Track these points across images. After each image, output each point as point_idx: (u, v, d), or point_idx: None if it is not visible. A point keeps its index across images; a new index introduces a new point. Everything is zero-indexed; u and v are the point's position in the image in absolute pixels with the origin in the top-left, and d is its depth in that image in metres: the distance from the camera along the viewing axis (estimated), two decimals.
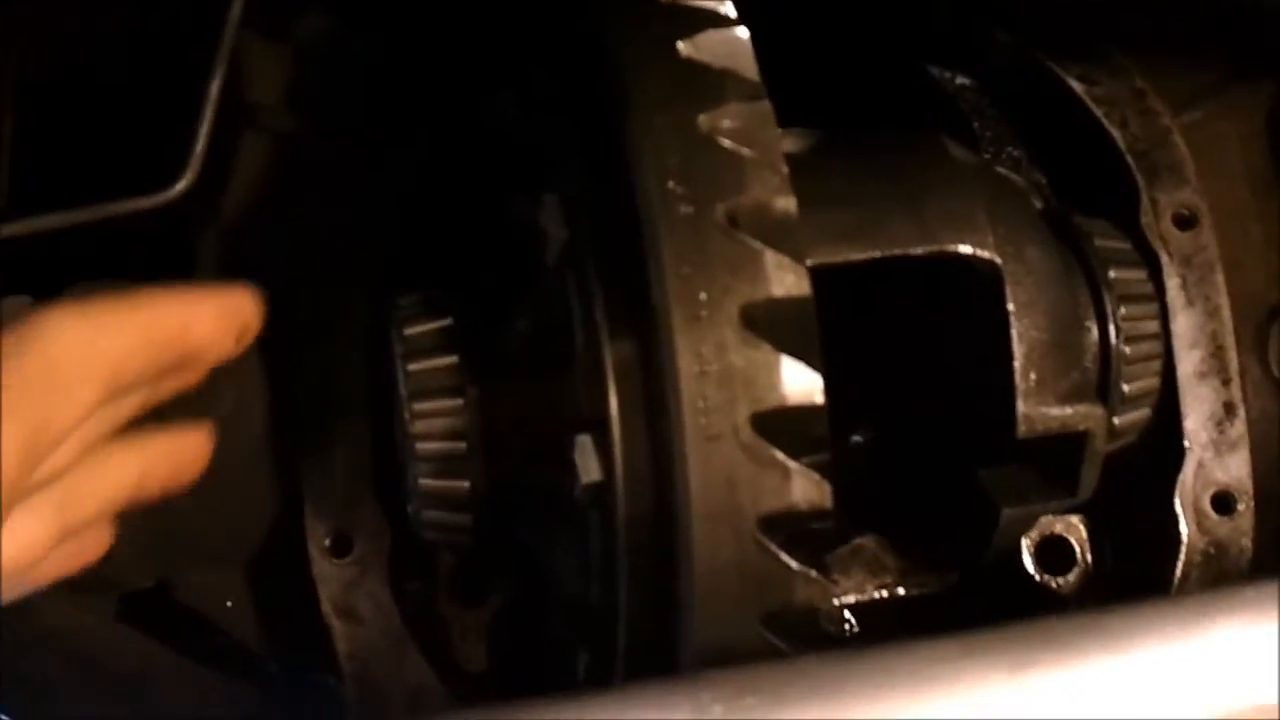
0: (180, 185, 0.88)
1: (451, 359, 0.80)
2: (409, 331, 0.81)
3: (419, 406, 0.79)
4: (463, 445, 0.79)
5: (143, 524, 0.71)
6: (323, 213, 0.95)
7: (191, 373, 0.66)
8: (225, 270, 1.02)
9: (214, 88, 0.88)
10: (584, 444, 0.68)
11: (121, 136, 1.03)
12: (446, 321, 0.81)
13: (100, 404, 0.59)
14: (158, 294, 0.62)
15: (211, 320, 0.64)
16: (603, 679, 0.74)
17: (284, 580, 0.92)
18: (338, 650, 0.89)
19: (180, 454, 0.67)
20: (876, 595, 0.94)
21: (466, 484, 0.80)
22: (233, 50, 0.88)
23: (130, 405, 0.63)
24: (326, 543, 0.90)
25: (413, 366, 0.80)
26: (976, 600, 0.95)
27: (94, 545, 0.67)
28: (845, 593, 0.93)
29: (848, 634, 0.94)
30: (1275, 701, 0.59)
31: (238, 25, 0.88)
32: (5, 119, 1.02)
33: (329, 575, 0.90)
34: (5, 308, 0.95)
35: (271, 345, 0.93)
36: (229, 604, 0.96)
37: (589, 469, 0.68)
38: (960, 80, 0.98)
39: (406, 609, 0.92)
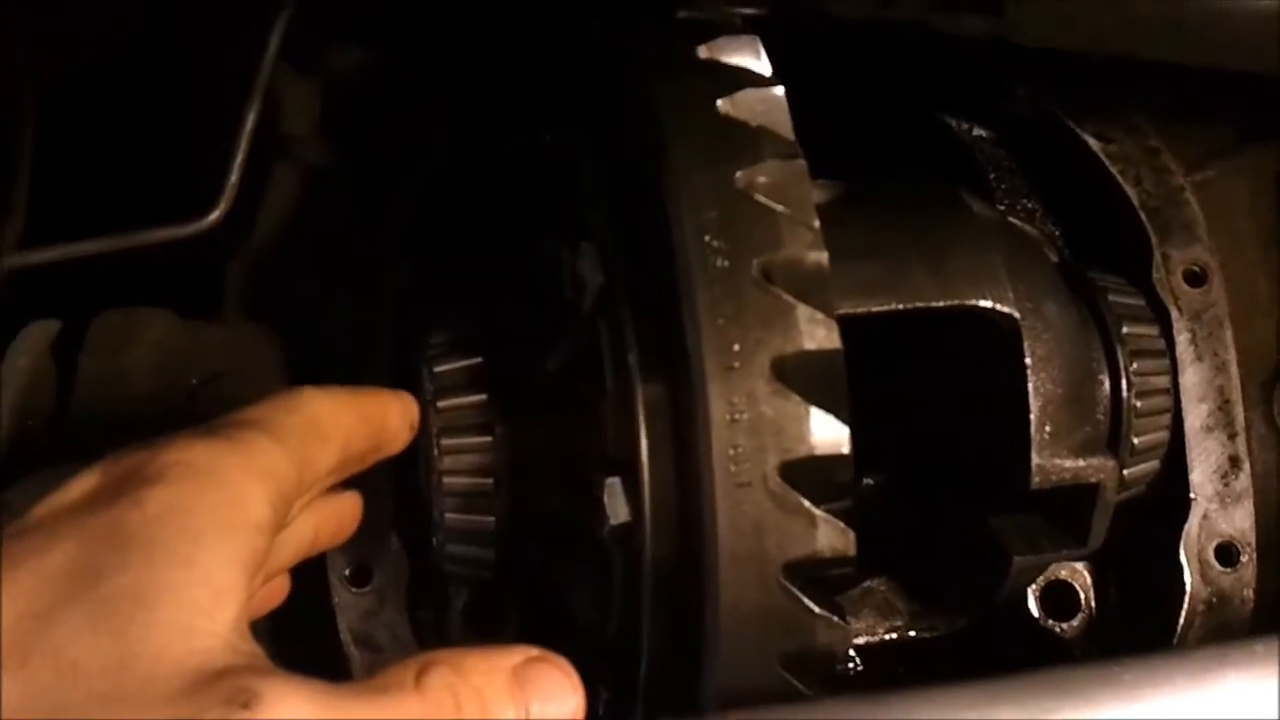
0: (214, 215, 0.89)
1: (481, 397, 0.82)
2: (439, 369, 0.82)
3: (447, 443, 0.81)
4: (489, 482, 0.81)
5: None
6: (350, 245, 0.96)
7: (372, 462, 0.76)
8: (252, 299, 1.03)
9: (250, 119, 0.90)
10: (613, 486, 0.70)
11: (155, 166, 1.05)
12: (476, 360, 0.82)
13: (337, 464, 0.69)
14: (364, 390, 0.73)
15: (398, 414, 0.75)
16: (622, 717, 0.75)
17: (303, 608, 0.92)
18: (355, 679, 0.90)
19: (341, 515, 0.77)
20: (886, 637, 0.95)
21: (491, 519, 0.82)
22: (268, 83, 0.90)
23: (332, 483, 0.72)
24: (346, 572, 0.91)
25: (442, 404, 0.81)
26: (981, 643, 0.96)
27: (279, 592, 0.76)
28: (856, 634, 0.94)
29: (854, 673, 0.95)
30: None
31: (275, 58, 0.90)
32: (26, 148, 1.04)
33: (348, 604, 0.91)
34: (36, 331, 0.97)
35: (298, 376, 0.95)
36: None
37: (618, 510, 0.70)
38: (978, 132, 0.99)
39: (421, 638, 0.93)
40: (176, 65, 1.08)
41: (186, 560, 0.55)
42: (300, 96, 1.01)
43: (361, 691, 0.54)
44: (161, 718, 0.50)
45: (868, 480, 0.95)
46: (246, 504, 0.59)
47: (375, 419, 0.73)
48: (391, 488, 0.90)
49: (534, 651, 0.60)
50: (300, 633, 0.95)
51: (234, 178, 0.90)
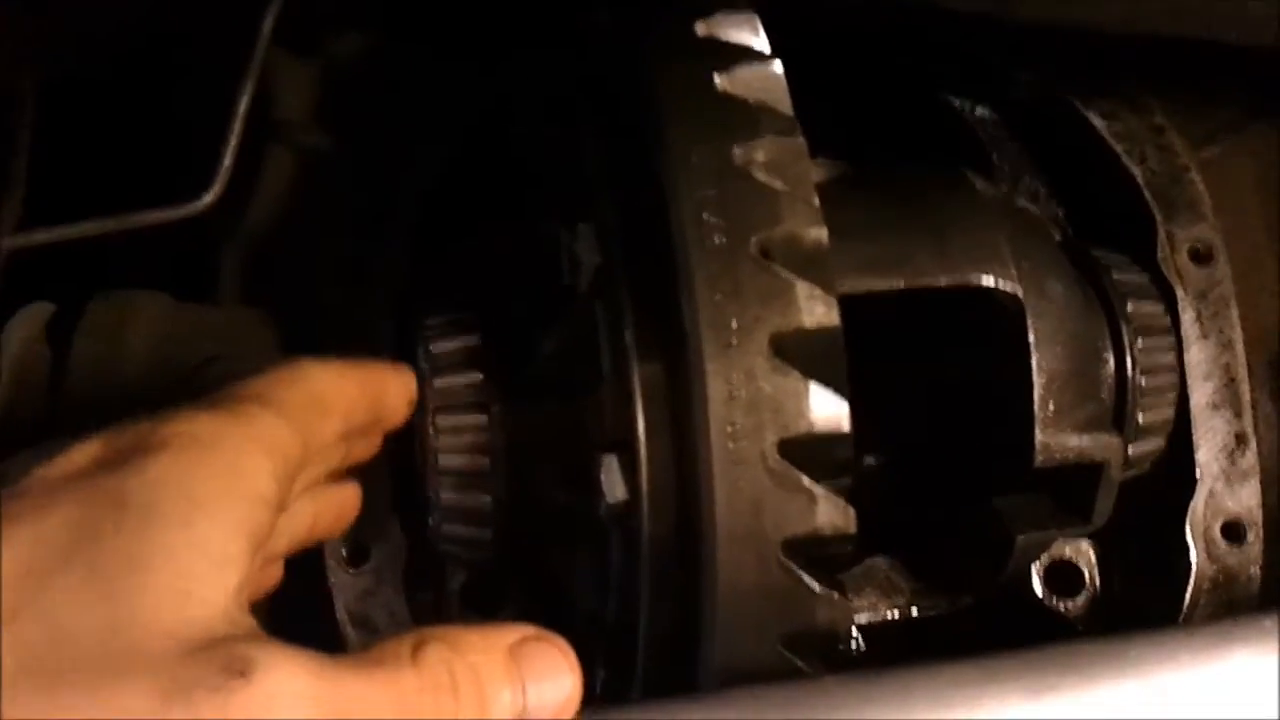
0: (208, 198, 0.89)
1: (477, 376, 0.81)
2: (435, 348, 0.82)
3: (443, 421, 0.81)
4: (486, 461, 0.81)
5: None
6: (348, 229, 0.95)
7: (375, 440, 0.76)
8: (248, 283, 1.03)
9: (243, 103, 0.89)
10: (610, 464, 0.69)
11: (150, 149, 1.04)
12: (473, 339, 0.82)
13: (338, 438, 0.68)
14: (359, 363, 0.71)
15: (396, 387, 0.74)
16: (619, 697, 0.75)
17: (299, 589, 0.92)
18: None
19: (341, 505, 0.76)
20: (888, 616, 0.94)
21: (488, 499, 0.81)
22: (262, 66, 0.89)
23: (334, 460, 0.72)
24: (343, 552, 0.91)
25: (438, 382, 0.81)
26: (985, 622, 0.96)
27: (274, 578, 0.75)
28: (858, 612, 0.93)
29: (856, 653, 0.95)
30: None
31: (268, 41, 0.89)
32: (25, 130, 1.03)
33: (345, 584, 0.91)
34: (31, 313, 0.96)
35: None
36: None
37: (614, 489, 0.69)
38: (980, 111, 0.98)
39: (419, 619, 0.92)
40: (177, 53, 1.07)
41: (185, 525, 0.54)
42: (296, 81, 1.01)
43: (357, 664, 0.53)
44: (154, 685, 0.49)
45: (870, 460, 0.94)
46: (251, 476, 0.58)
47: (374, 392, 0.72)
48: (389, 468, 0.90)
49: (531, 630, 0.60)
50: (297, 614, 0.94)
51: (227, 161, 0.89)
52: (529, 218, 0.83)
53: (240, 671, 0.50)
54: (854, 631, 0.94)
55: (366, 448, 0.76)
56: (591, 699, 0.79)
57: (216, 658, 0.50)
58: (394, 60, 1.00)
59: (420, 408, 0.81)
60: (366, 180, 0.96)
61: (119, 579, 0.52)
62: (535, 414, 0.80)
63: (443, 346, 0.82)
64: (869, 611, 0.94)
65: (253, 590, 0.71)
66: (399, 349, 0.89)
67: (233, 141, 0.89)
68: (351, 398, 0.69)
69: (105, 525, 0.53)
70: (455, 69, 0.98)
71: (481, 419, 0.81)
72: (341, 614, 0.90)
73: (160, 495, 0.55)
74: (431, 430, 0.81)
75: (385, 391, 0.73)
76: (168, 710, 0.48)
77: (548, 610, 0.91)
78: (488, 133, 0.97)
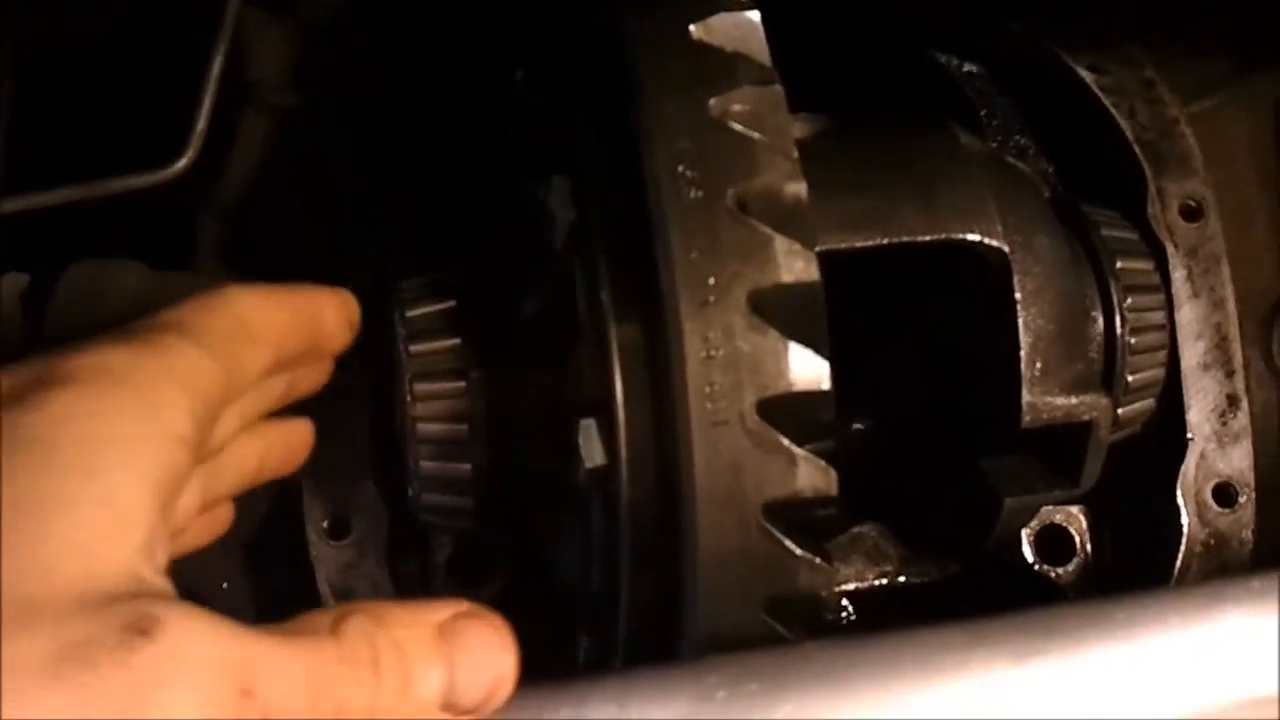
0: (181, 163, 0.87)
1: (454, 341, 0.80)
2: (411, 313, 0.81)
3: (420, 388, 0.79)
4: (464, 428, 0.79)
5: None
6: (325, 193, 0.94)
7: (321, 369, 0.72)
8: (226, 250, 1.01)
9: (216, 65, 0.88)
10: (588, 428, 0.68)
11: (125, 114, 1.03)
12: (449, 304, 0.81)
13: (268, 368, 0.63)
14: (294, 287, 0.67)
15: (334, 311, 0.69)
16: (603, 665, 0.73)
17: (281, 562, 0.91)
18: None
19: (290, 442, 0.73)
20: (876, 583, 0.93)
21: (468, 467, 0.80)
22: (235, 27, 0.87)
23: (274, 394, 0.69)
24: (324, 524, 0.90)
25: (414, 348, 0.80)
26: (975, 589, 0.95)
27: (222, 521, 0.71)
28: (845, 580, 0.92)
29: (846, 621, 0.94)
30: (1277, 692, 0.59)
31: (240, 1, 0.88)
32: (3, 95, 1.02)
33: (327, 557, 0.90)
34: (4, 284, 0.95)
35: None
36: (225, 585, 0.96)
37: (593, 453, 0.68)
38: (968, 67, 0.97)
39: (403, 591, 0.91)
40: (146, 11, 1.06)
41: (88, 471, 0.50)
42: (270, 41, 0.99)
43: (272, 632, 0.51)
44: (47, 642, 0.46)
45: (857, 425, 0.93)
46: (164, 412, 0.54)
47: (309, 317, 0.67)
48: (368, 437, 0.89)
49: (465, 606, 0.57)
50: (279, 587, 0.94)
51: (201, 124, 0.87)
52: (507, 173, 0.81)
53: (143, 630, 0.46)
54: (843, 600, 0.93)
55: (311, 379, 0.72)
56: (575, 668, 0.78)
57: (117, 615, 0.47)
58: (373, 19, 0.98)
59: (398, 375, 0.80)
60: (348, 144, 0.95)
61: (13, 528, 0.48)
62: (514, 379, 0.79)
63: (419, 310, 0.80)
64: (856, 579, 0.93)
65: (192, 540, 0.69)
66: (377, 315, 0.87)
67: (206, 103, 0.87)
68: (281, 324, 0.64)
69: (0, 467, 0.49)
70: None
71: (459, 385, 0.79)
72: (324, 587, 0.90)
73: (62, 435, 0.51)
74: (409, 397, 0.79)
75: (321, 317, 0.68)
76: (61, 668, 0.45)
77: (534, 579, 0.90)
78: (475, 91, 0.95)
